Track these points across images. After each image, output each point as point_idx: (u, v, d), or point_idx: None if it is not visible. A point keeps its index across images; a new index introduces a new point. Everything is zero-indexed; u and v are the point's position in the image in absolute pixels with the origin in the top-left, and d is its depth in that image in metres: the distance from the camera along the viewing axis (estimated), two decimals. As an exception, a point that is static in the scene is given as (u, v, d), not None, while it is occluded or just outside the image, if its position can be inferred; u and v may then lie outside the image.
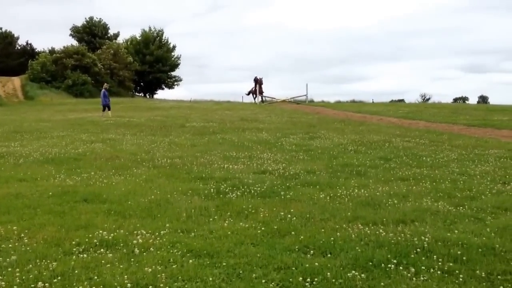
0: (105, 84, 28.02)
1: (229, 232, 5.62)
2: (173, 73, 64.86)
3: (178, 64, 65.22)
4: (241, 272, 4.52)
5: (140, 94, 64.59)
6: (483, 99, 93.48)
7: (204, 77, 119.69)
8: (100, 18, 63.46)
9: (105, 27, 63.51)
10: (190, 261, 4.76)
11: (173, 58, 64.03)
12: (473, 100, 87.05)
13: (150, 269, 4.53)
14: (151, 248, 5.14)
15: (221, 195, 7.49)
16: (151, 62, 60.47)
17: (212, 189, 7.80)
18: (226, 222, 6.08)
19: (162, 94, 66.63)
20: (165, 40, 63.82)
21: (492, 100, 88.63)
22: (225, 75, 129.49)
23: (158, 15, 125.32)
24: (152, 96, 63.85)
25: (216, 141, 14.27)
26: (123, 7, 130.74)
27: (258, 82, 39.32)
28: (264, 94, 40.08)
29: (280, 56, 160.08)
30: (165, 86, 65.38)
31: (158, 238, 5.44)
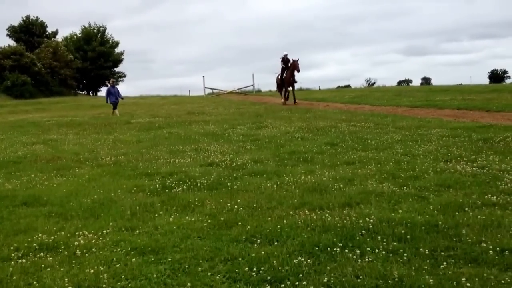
0: (111, 80, 26.47)
1: (174, 227, 5.49)
2: (116, 69, 63.53)
3: (121, 60, 63.95)
4: (187, 266, 4.41)
5: (83, 92, 62.99)
6: (426, 81, 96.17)
7: (150, 73, 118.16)
8: (37, 17, 61.43)
9: (42, 26, 61.51)
10: (134, 259, 4.61)
11: (115, 54, 62.65)
12: (416, 82, 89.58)
13: (92, 270, 4.36)
14: (93, 249, 4.95)
15: (167, 190, 7.33)
16: (93, 58, 58.98)
17: (157, 185, 7.63)
18: (172, 217, 5.94)
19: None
20: (108, 36, 62.40)
21: (435, 81, 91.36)
22: (170, 69, 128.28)
23: (96, 11, 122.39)
24: (96, 94, 62.40)
25: (162, 136, 14.04)
26: (59, 5, 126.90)
27: (290, 65, 26.06)
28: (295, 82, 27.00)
29: (224, 48, 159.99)
30: (109, 83, 63.88)
31: (101, 238, 5.26)
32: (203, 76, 42.45)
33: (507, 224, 4.98)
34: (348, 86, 60.46)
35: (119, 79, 63.94)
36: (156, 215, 6.07)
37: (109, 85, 24.43)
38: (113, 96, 23.76)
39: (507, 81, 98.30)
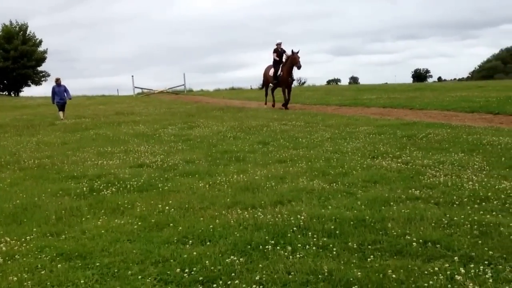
0: (55, 78, 21.14)
1: (103, 231, 5.33)
2: (39, 68, 60.99)
3: (45, 59, 61.43)
4: (116, 270, 4.30)
5: (4, 93, 60.08)
6: (354, 80, 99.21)
7: (75, 72, 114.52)
8: (-47, 15, 57.89)
9: (-42, 24, 58.07)
10: (60, 265, 4.43)
11: (38, 52, 60.17)
12: (345, 81, 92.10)
13: (16, 278, 4.16)
14: (16, 256, 4.73)
15: (94, 193, 7.11)
16: (16, 57, 56.39)
17: (85, 188, 7.38)
18: (100, 220, 5.77)
19: (30, 91, 62.55)
20: (30, 34, 59.85)
21: (362, 80, 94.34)
22: (97, 68, 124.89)
23: (16, 8, 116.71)
24: (18, 94, 59.74)
25: (89, 137, 13.61)
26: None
27: (288, 58, 20.94)
28: (293, 80, 22.13)
29: (154, 47, 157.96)
30: (32, 83, 61.20)
31: (24, 245, 5.02)
32: (132, 76, 41.75)
33: (430, 217, 5.19)
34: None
35: (42, 79, 61.46)
36: (83, 219, 5.88)
37: (54, 84, 20.87)
38: (58, 96, 20.52)
39: (429, 80, 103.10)
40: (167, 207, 6.12)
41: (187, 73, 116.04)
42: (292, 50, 20.64)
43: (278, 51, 21.66)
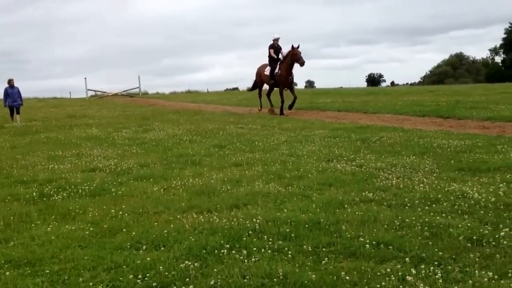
0: (8, 79, 19.83)
1: (53, 237, 5.18)
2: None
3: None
4: (66, 277, 4.18)
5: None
6: (310, 84, 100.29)
7: (25, 74, 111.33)
8: None
9: None
10: (8, 272, 4.28)
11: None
12: (301, 85, 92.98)
13: (-41, 289, 4.00)
14: (-40, 265, 4.54)
15: (45, 198, 6.91)
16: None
17: (34, 193, 7.15)
18: (50, 226, 5.61)
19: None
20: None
21: (318, 84, 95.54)
22: (48, 70, 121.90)
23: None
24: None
25: (40, 141, 13.23)
26: None
27: (287, 55, 18.64)
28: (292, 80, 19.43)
29: (108, 49, 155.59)
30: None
31: (-30, 253, 4.83)
32: (85, 78, 40.63)
33: (382, 219, 5.28)
34: (236, 88, 61.26)
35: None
36: (33, 225, 5.70)
37: (7, 85, 19.69)
38: (11, 99, 19.32)
39: (383, 84, 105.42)
40: (120, 212, 6.01)
41: (143, 75, 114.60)
42: (292, 45, 18.40)
43: (275, 47, 19.22)
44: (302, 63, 18.21)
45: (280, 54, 19.05)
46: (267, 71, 19.45)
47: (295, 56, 18.26)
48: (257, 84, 21.02)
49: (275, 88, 19.94)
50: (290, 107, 19.03)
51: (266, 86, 20.85)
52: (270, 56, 19.36)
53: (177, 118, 18.31)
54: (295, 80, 20.40)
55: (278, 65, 18.96)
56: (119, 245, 4.90)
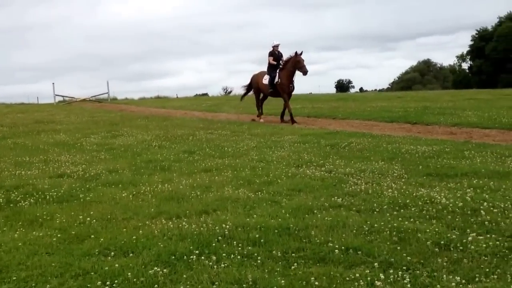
0: None
1: (20, 244, 5.08)
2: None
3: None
4: (33, 284, 4.12)
5: None
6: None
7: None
8: None
9: None
10: (-28, 282, 4.19)
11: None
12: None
13: None
14: None
15: (11, 205, 6.78)
16: None
17: (1, 199, 7.01)
18: (17, 232, 5.50)
19: None
20: None
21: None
22: (14, 76, 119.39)
23: None
24: None
25: (6, 147, 12.95)
26: None
27: (288, 61, 17.41)
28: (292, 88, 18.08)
29: (76, 54, 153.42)
30: None
31: None
32: (53, 83, 39.89)
33: (351, 224, 5.34)
34: (206, 94, 61.16)
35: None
36: (0, 231, 5.59)
37: None
38: None
39: (352, 90, 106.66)
40: (88, 218, 5.93)
41: (112, 81, 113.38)
42: (296, 52, 17.16)
43: (275, 54, 17.90)
44: (305, 72, 17.06)
45: (281, 58, 17.87)
46: (266, 79, 18.13)
47: (298, 64, 17.10)
48: (254, 93, 19.54)
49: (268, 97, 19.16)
50: (282, 116, 18.38)
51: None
52: (269, 64, 18.05)
53: (146, 124, 18.16)
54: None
55: (277, 73, 17.69)
56: (87, 251, 4.84)
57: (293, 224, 5.39)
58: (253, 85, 19.32)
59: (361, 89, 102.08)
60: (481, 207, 5.80)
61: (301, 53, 17.11)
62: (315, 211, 5.91)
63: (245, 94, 20.68)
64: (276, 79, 17.66)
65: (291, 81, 17.64)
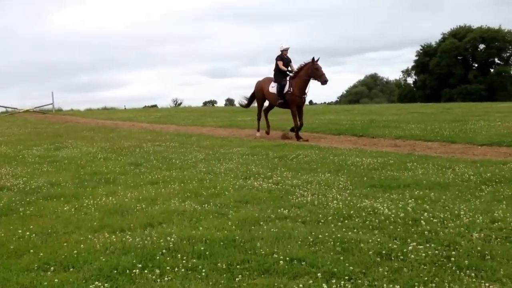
0: None
1: (-47, 260, 4.85)
2: None
3: None
4: (-34, 303, 3.93)
5: None
6: (230, 102, 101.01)
7: None
8: None
9: None
10: None
11: None
12: (221, 103, 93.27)
13: None
14: None
15: None
16: None
17: None
18: (-50, 248, 5.25)
19: None
20: None
21: (237, 102, 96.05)
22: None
23: None
24: None
25: None
26: None
27: (302, 68, 15.25)
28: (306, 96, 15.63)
29: (19, 64, 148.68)
30: None
31: None
32: (-5, 94, 38.66)
33: (297, 235, 5.38)
34: (155, 105, 60.48)
35: None
36: None
37: None
38: None
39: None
40: (27, 233, 5.73)
41: (57, 91, 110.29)
42: (313, 58, 14.98)
43: (285, 59, 15.85)
44: (325, 81, 14.93)
45: (289, 67, 15.88)
46: (273, 87, 15.95)
47: (317, 72, 14.88)
48: (258, 102, 17.13)
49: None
50: (294, 130, 15.84)
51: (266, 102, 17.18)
52: (277, 70, 15.86)
53: (91, 136, 17.77)
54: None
55: (288, 81, 15.58)
56: (25, 266, 4.69)
57: (239, 236, 5.38)
58: (257, 92, 16.93)
59: (310, 102, 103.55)
60: (422, 217, 5.97)
61: (317, 60, 15.00)
62: (262, 223, 5.92)
63: (249, 103, 17.96)
64: (287, 87, 15.52)
65: (304, 92, 15.46)
